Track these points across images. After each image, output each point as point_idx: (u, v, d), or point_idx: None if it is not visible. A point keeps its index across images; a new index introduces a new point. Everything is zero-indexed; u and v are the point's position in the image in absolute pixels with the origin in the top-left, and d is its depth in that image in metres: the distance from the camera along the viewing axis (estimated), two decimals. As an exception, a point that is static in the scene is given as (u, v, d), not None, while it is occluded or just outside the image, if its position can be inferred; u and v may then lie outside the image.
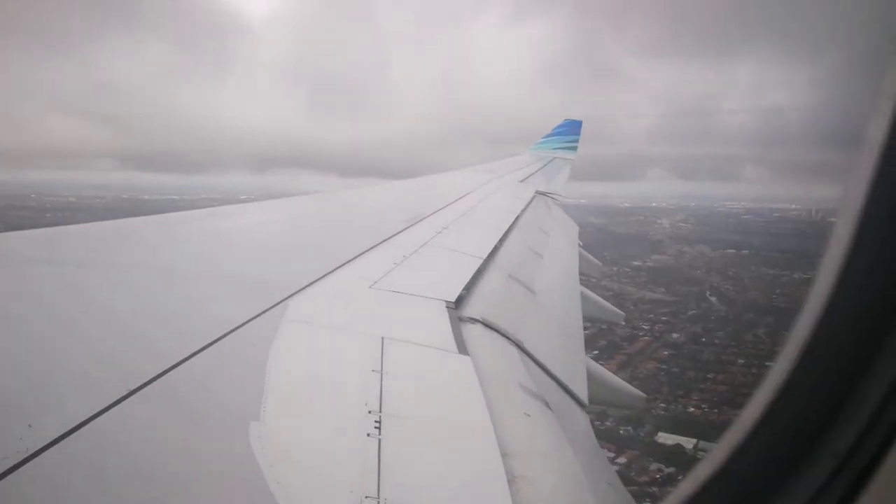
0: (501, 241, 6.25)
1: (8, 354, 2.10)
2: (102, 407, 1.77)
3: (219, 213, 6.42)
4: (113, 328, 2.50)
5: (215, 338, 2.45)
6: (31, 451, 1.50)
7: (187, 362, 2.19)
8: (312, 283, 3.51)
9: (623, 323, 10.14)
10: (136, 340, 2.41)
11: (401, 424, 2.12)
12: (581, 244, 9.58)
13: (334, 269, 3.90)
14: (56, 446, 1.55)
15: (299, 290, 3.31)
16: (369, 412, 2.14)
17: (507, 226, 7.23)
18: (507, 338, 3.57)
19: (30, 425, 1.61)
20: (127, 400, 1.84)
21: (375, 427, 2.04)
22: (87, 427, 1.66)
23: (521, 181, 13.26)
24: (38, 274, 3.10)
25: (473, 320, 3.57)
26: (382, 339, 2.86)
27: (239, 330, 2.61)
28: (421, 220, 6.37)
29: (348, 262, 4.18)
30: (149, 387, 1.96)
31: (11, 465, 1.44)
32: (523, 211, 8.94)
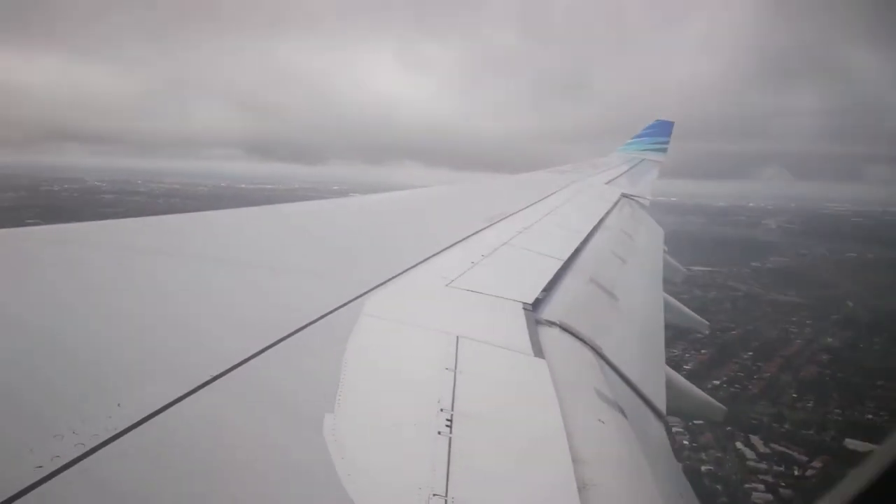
0: (583, 243, 6.16)
1: (101, 336, 2.22)
2: (186, 391, 1.84)
3: (306, 207, 6.62)
4: (198, 316, 2.61)
5: (294, 329, 2.52)
6: (118, 430, 1.58)
7: (267, 352, 2.26)
8: (391, 278, 3.56)
9: (707, 332, 9.77)
10: (220, 329, 2.50)
11: (472, 424, 2.12)
12: (666, 249, 9.30)
13: (413, 266, 3.95)
14: (141, 426, 1.63)
15: (378, 286, 3.37)
16: (441, 410, 2.15)
17: (590, 228, 7.11)
18: (585, 342, 3.52)
19: (119, 405, 1.69)
20: (209, 386, 1.92)
21: (447, 425, 2.04)
22: (170, 410, 1.74)
23: (607, 183, 13.01)
24: (130, 261, 3.27)
25: (551, 323, 3.53)
26: (457, 337, 2.87)
27: (318, 322, 2.67)
28: (502, 220, 6.36)
29: (427, 259, 4.22)
30: (230, 374, 2.03)
31: (101, 441, 1.52)
32: (607, 213, 8.77)
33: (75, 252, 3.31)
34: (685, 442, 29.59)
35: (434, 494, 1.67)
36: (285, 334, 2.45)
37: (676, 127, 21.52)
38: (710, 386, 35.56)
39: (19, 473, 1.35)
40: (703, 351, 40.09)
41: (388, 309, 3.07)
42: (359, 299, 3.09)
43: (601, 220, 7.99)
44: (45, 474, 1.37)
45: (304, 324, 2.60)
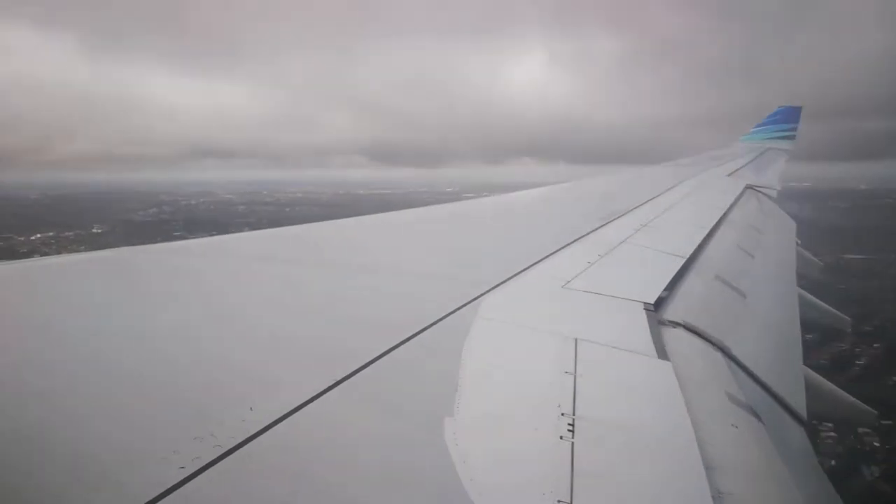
0: (707, 239, 5.89)
1: (236, 343, 2.34)
2: (313, 395, 1.91)
3: (422, 212, 6.76)
4: (323, 321, 2.70)
5: (413, 332, 2.55)
6: (251, 433, 1.65)
7: (388, 355, 2.31)
8: (506, 280, 3.55)
9: (849, 329, 9.07)
10: (343, 333, 2.58)
11: (595, 428, 2.06)
12: (799, 242, 8.71)
13: (528, 267, 3.91)
14: (273, 429, 1.70)
15: (493, 288, 3.36)
16: (562, 414, 2.10)
17: (713, 223, 6.79)
18: (713, 343, 3.35)
19: (251, 409, 1.78)
20: (334, 389, 1.98)
21: (569, 430, 2.00)
22: (299, 413, 1.80)
23: (730, 174, 12.39)
24: (259, 270, 3.46)
25: (674, 324, 3.40)
26: (576, 340, 2.81)
27: (435, 326, 2.70)
28: (619, 217, 6.20)
29: (542, 259, 4.17)
30: (354, 377, 2.09)
31: (237, 443, 1.60)
32: (731, 206, 8.34)
33: (212, 263, 3.55)
34: (876, 444, 27.44)
35: (558, 501, 1.63)
36: (404, 338, 2.49)
37: (807, 108, 20.11)
38: (889, 383, 32.92)
39: (165, 473, 1.45)
40: (875, 345, 37.18)
41: (504, 311, 3.06)
42: (474, 301, 3.09)
43: (725, 214, 7.63)
44: (187, 474, 1.45)
45: (421, 327, 2.63)
